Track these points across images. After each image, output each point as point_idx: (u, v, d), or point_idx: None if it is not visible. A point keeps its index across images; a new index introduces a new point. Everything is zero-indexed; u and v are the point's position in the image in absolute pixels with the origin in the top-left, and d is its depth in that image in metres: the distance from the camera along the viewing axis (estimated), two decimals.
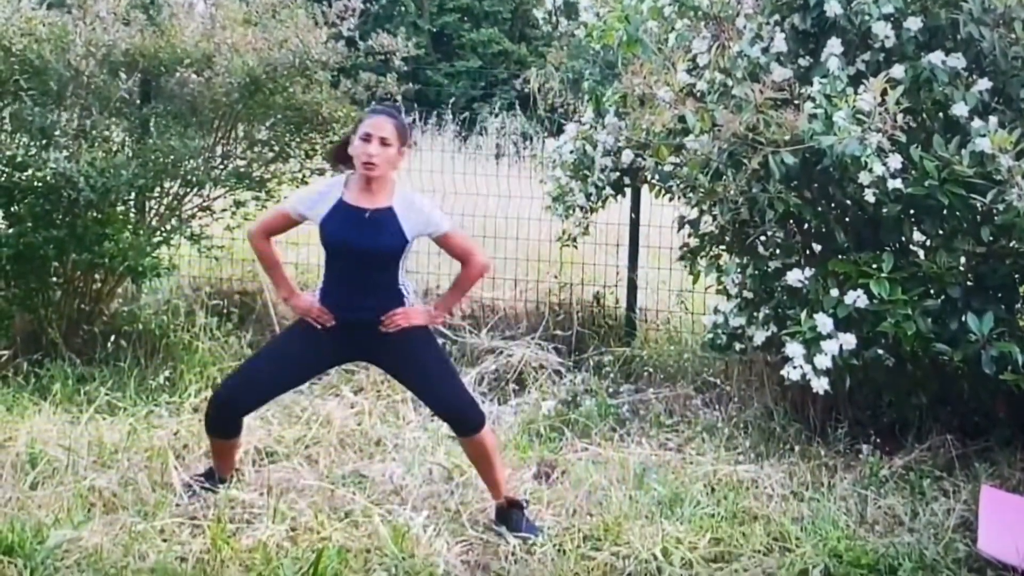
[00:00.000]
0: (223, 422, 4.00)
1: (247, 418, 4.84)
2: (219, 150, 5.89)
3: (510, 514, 3.94)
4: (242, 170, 5.86)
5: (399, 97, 6.13)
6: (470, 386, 5.47)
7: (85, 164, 5.09)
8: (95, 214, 5.40)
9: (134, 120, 5.71)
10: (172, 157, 5.42)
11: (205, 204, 5.95)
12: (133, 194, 5.62)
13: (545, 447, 4.80)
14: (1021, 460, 4.64)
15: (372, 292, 3.87)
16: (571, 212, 5.67)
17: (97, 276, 5.71)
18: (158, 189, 5.76)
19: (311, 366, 4.12)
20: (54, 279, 5.60)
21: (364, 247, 3.81)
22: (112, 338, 5.50)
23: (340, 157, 3.97)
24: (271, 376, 3.97)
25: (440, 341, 5.99)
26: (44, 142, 5.22)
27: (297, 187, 6.13)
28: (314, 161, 6.05)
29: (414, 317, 3.92)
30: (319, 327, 3.91)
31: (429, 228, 3.89)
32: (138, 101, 5.81)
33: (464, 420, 3.90)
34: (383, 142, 3.77)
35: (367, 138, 3.78)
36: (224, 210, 6.04)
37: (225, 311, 5.98)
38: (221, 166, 5.84)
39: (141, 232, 5.58)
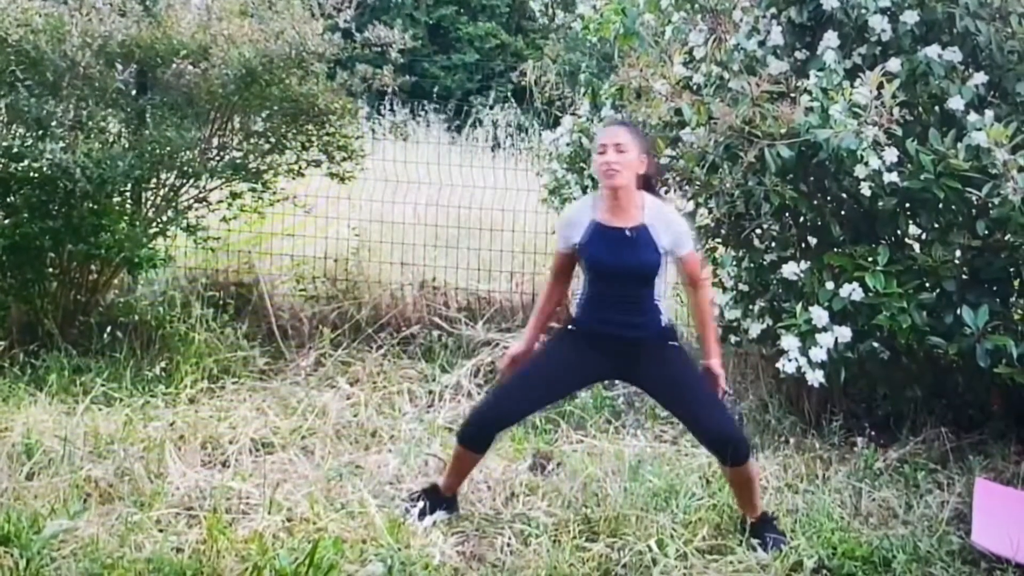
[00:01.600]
0: (480, 438, 3.91)
1: (244, 411, 4.89)
2: (215, 141, 5.88)
3: (762, 528, 3.88)
4: (238, 161, 5.86)
5: (396, 89, 6.13)
6: (466, 378, 5.48)
7: (81, 155, 5.08)
8: (91, 205, 5.40)
9: (130, 111, 5.70)
10: (168, 148, 5.42)
11: (201, 195, 5.94)
12: (129, 185, 5.62)
13: (541, 439, 4.81)
14: (1015, 453, 4.66)
15: (631, 310, 3.81)
16: (567, 204, 5.67)
17: (93, 267, 5.71)
18: (154, 180, 5.75)
19: (568, 383, 4.07)
20: (50, 270, 5.60)
21: (625, 266, 3.76)
22: (108, 329, 5.50)
23: (645, 184, 3.86)
24: (530, 394, 3.93)
25: (436, 333, 6.04)
26: (40, 133, 5.22)
27: (293, 178, 6.13)
28: (310, 152, 6.05)
29: (720, 371, 3.89)
30: (576, 342, 3.87)
31: (679, 245, 3.83)
32: (134, 92, 5.80)
33: (734, 451, 3.78)
34: (619, 149, 3.71)
35: (603, 149, 3.74)
36: (220, 201, 6.04)
37: (221, 302, 5.98)
38: (217, 157, 5.84)
39: (137, 223, 5.58)
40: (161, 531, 3.71)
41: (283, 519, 3.82)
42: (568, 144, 5.64)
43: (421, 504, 3.93)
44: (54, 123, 5.29)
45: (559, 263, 4.01)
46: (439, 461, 4.43)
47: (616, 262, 3.76)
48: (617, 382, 5.49)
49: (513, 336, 5.91)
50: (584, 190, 5.53)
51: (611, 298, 3.81)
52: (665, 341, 3.83)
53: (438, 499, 3.97)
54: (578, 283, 4.08)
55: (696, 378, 3.89)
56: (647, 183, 3.85)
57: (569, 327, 3.94)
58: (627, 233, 3.75)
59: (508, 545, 3.75)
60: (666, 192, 5.42)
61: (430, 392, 5.40)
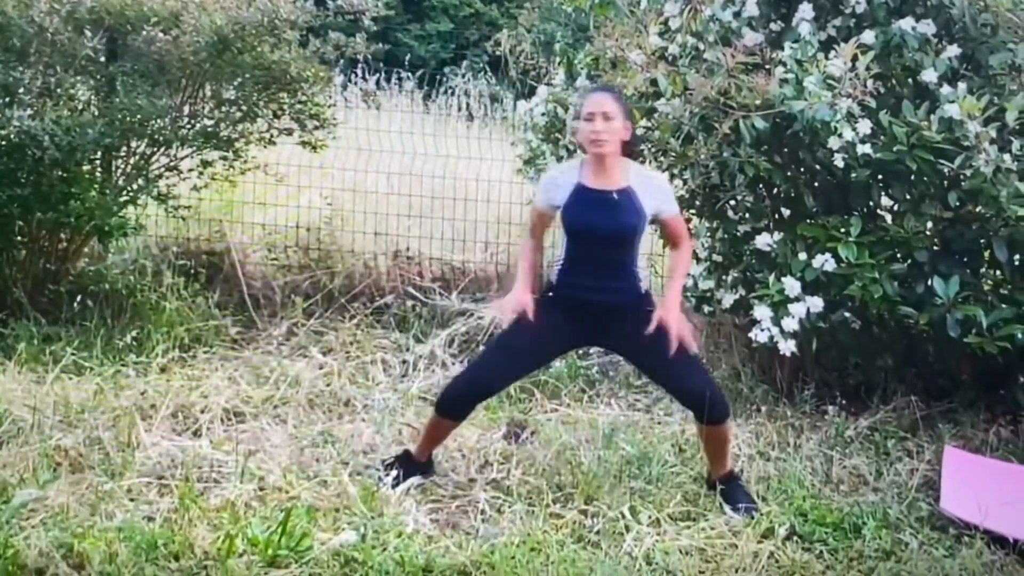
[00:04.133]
0: (459, 407, 3.92)
1: (216, 380, 4.86)
2: (186, 109, 5.81)
3: (730, 486, 3.93)
4: (209, 129, 5.79)
5: (368, 57, 6.08)
6: (441, 348, 5.48)
7: (50, 122, 5.01)
8: (60, 173, 5.33)
9: (100, 78, 5.62)
10: (139, 116, 5.35)
11: (172, 164, 5.88)
12: (99, 153, 5.55)
13: (515, 408, 4.82)
14: (984, 421, 4.72)
15: (610, 275, 3.82)
16: (541, 174, 5.65)
17: (63, 235, 5.64)
18: (125, 148, 5.68)
19: (546, 350, 4.05)
20: (19, 238, 5.53)
21: (609, 229, 3.76)
22: (78, 298, 5.45)
23: (625, 150, 3.84)
24: (509, 363, 3.93)
25: (410, 303, 6.02)
26: (7, 100, 5.13)
27: (265, 147, 6.07)
28: (282, 121, 5.99)
29: (678, 324, 3.79)
30: (551, 310, 3.85)
31: (664, 206, 3.84)
32: (104, 59, 5.71)
33: (712, 410, 3.80)
34: (606, 116, 3.72)
35: (591, 117, 3.73)
36: (191, 170, 5.97)
37: (192, 271, 5.93)
38: (188, 125, 5.77)
39: (107, 191, 5.51)
40: (132, 500, 3.69)
41: (255, 488, 3.82)
42: (543, 114, 5.61)
43: (395, 472, 3.93)
44: (21, 90, 5.21)
45: (537, 221, 4.02)
46: (413, 430, 4.43)
47: (599, 224, 3.77)
48: (592, 351, 5.52)
49: (488, 306, 5.91)
50: (559, 160, 5.52)
51: (592, 262, 3.82)
52: (643, 307, 3.84)
53: (412, 465, 3.98)
54: (553, 253, 4.08)
55: (668, 342, 3.86)
56: (627, 148, 3.86)
57: (548, 294, 3.93)
58: (613, 196, 3.76)
59: (482, 513, 3.77)
60: (641, 163, 5.43)
61: (404, 362, 5.40)
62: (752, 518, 3.77)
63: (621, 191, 3.78)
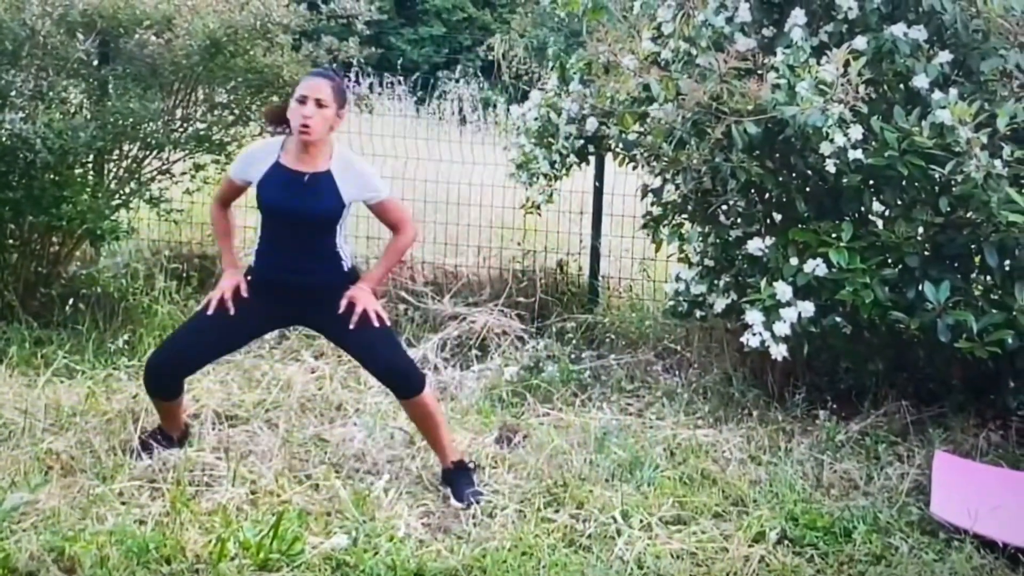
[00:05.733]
0: (159, 387, 3.97)
1: (207, 383, 4.85)
2: (179, 113, 5.81)
3: (456, 476, 3.94)
4: (202, 133, 5.79)
5: (361, 60, 6.08)
6: (433, 352, 5.48)
7: (42, 125, 5.00)
8: (52, 176, 5.32)
9: (92, 82, 5.62)
10: (131, 119, 5.34)
11: (164, 167, 5.88)
12: (91, 156, 5.54)
13: (507, 412, 4.82)
14: (974, 426, 4.73)
15: (308, 256, 3.83)
16: (535, 179, 5.66)
17: (55, 239, 5.63)
18: (117, 152, 5.68)
19: (244, 331, 4.04)
20: (10, 241, 5.51)
21: (300, 211, 3.76)
22: (70, 301, 5.44)
23: (278, 119, 3.91)
24: (204, 343, 3.93)
25: (402, 307, 6.02)
26: None
27: None
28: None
29: (365, 301, 3.84)
30: (248, 290, 3.87)
31: (367, 193, 3.86)
32: (96, 62, 5.72)
33: (406, 382, 3.87)
34: (319, 103, 3.70)
35: (303, 100, 3.71)
36: (184, 173, 5.97)
37: (184, 274, 5.93)
38: (181, 129, 5.77)
39: (99, 195, 5.50)
40: (124, 504, 3.69)
41: (247, 491, 3.81)
42: (536, 119, 5.61)
43: (144, 441, 4.05)
44: (13, 93, 5.20)
45: (227, 189, 4.02)
46: (404, 434, 4.43)
47: (290, 205, 3.76)
48: (583, 355, 5.53)
49: (480, 310, 5.92)
50: (552, 164, 5.53)
51: (286, 244, 3.82)
52: (345, 287, 3.86)
53: (164, 437, 4.09)
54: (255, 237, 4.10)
55: (369, 320, 3.88)
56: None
57: (247, 277, 3.94)
58: (304, 179, 3.76)
59: (473, 517, 3.77)
60: (634, 168, 5.45)
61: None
62: (470, 504, 3.80)
63: (317, 175, 3.76)
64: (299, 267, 3.83)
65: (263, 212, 3.85)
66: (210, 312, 3.87)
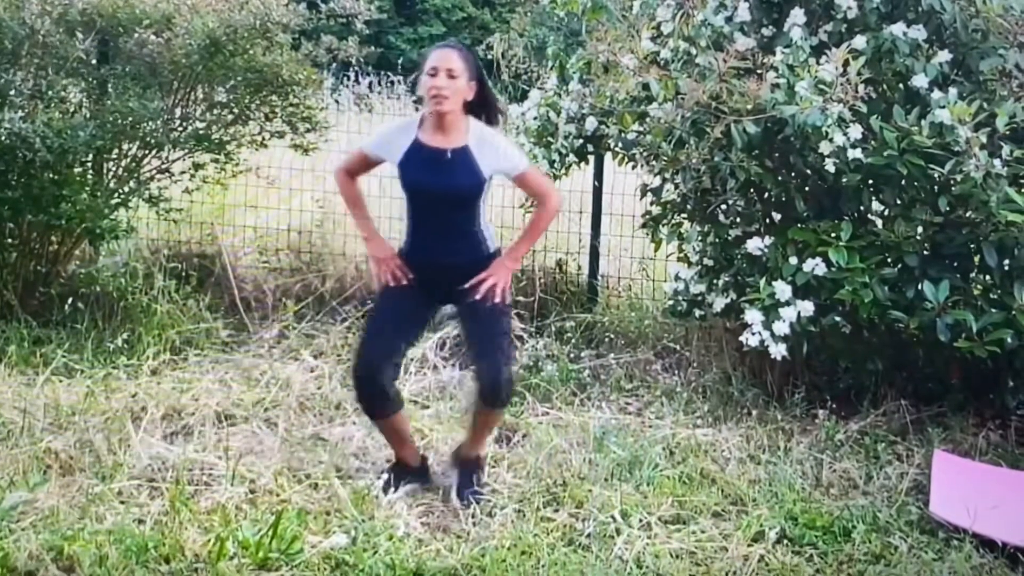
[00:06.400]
0: (373, 400, 3.86)
1: (209, 382, 4.85)
2: (178, 112, 5.81)
3: (468, 470, 3.93)
4: (201, 132, 5.79)
5: (360, 59, 6.08)
6: (432, 351, 5.47)
7: (41, 124, 5.01)
8: (52, 175, 5.32)
9: (92, 81, 5.62)
10: (130, 118, 5.35)
11: (164, 166, 5.88)
12: (90, 155, 5.54)
13: (506, 411, 4.81)
14: (973, 425, 4.73)
15: (453, 235, 3.80)
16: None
17: (54, 238, 5.64)
18: (116, 151, 5.68)
19: (418, 314, 3.98)
20: (10, 241, 5.52)
21: (445, 188, 3.73)
22: (69, 300, 5.44)
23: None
24: (390, 334, 3.86)
25: None
26: None
27: (256, 150, 6.08)
28: (273, 124, 5.98)
29: (500, 274, 3.80)
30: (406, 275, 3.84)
31: (506, 165, 3.80)
32: (95, 61, 5.72)
33: (498, 396, 3.80)
34: (450, 74, 3.66)
35: (434, 72, 3.67)
36: (183, 172, 5.97)
37: (183, 273, 5.92)
38: (180, 128, 5.77)
39: (99, 194, 5.51)
40: (123, 503, 3.69)
41: (246, 491, 3.81)
42: (535, 118, 5.62)
43: (386, 477, 3.92)
44: (13, 92, 5.21)
45: (358, 162, 4.00)
46: None
47: (433, 183, 3.74)
48: (582, 354, 5.52)
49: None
50: (551, 164, 5.53)
51: (431, 223, 3.81)
52: (485, 267, 3.83)
53: (403, 471, 3.96)
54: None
55: (500, 324, 3.86)
56: (481, 109, 3.82)
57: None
58: (447, 155, 3.73)
59: (473, 516, 3.76)
60: (633, 167, 5.45)
61: (395, 365, 5.38)
62: (470, 503, 3.79)
63: (456, 150, 3.73)
64: (446, 247, 3.80)
65: (407, 191, 3.82)
66: (392, 284, 3.85)
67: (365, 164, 4.00)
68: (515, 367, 4.04)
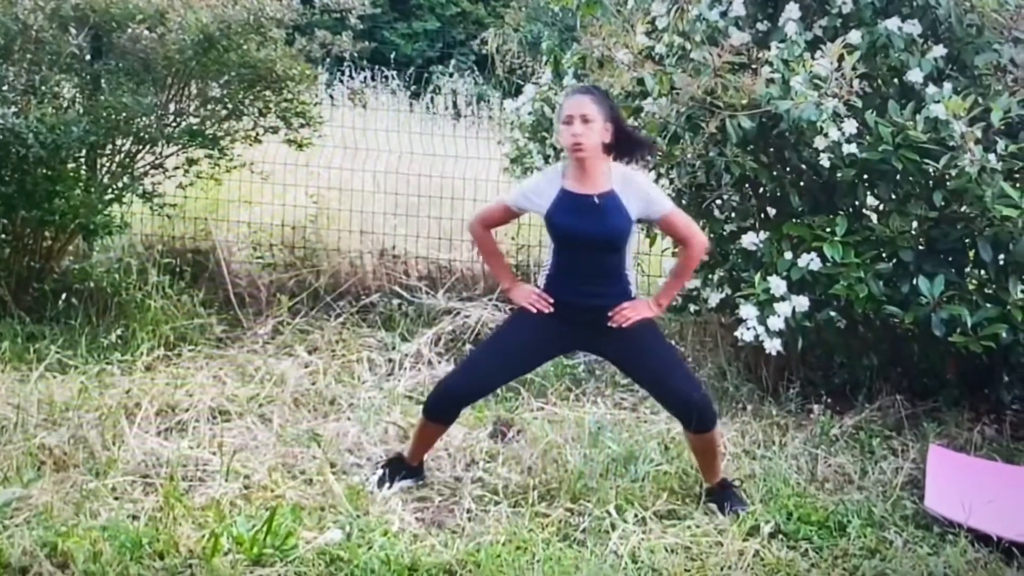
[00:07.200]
0: (445, 410, 3.87)
1: (201, 378, 4.85)
2: (172, 107, 5.80)
3: (723, 495, 3.89)
4: (195, 128, 5.78)
5: (355, 54, 6.08)
6: (427, 346, 5.47)
7: (34, 120, 5.00)
8: (45, 171, 5.31)
9: (85, 76, 5.61)
10: (124, 114, 5.34)
11: (157, 162, 5.86)
12: (84, 151, 5.54)
13: (502, 406, 4.82)
14: (968, 420, 4.74)
15: (600, 279, 3.78)
16: (529, 174, 5.66)
17: (47, 233, 5.62)
18: (110, 146, 5.68)
19: (536, 355, 4.00)
20: (3, 236, 5.51)
21: (595, 234, 3.71)
22: (63, 296, 5.44)
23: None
24: (497, 367, 3.88)
25: (396, 302, 6.01)
26: None
27: (250, 145, 6.06)
28: (267, 119, 5.97)
29: (642, 310, 3.78)
30: (542, 314, 3.81)
31: (651, 208, 3.78)
32: (89, 57, 5.70)
33: (700, 417, 3.78)
34: (584, 119, 3.66)
35: (569, 120, 3.67)
36: (177, 168, 5.96)
37: (178, 269, 5.92)
38: (174, 123, 5.76)
39: (92, 189, 5.50)
40: (117, 499, 3.68)
41: (241, 486, 3.81)
42: (530, 113, 5.62)
43: (381, 472, 3.92)
44: (6, 87, 5.20)
45: (500, 215, 4.02)
46: (399, 429, 4.43)
47: (584, 229, 3.72)
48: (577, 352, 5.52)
49: (474, 304, 5.91)
50: (546, 159, 5.52)
51: (580, 267, 3.78)
52: None
53: (400, 467, 3.96)
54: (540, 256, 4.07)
55: (662, 348, 3.88)
56: (621, 148, 3.81)
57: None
58: (595, 200, 3.72)
59: (468, 511, 3.76)
60: (628, 162, 5.43)
61: (390, 360, 5.38)
62: (737, 515, 3.78)
63: (604, 195, 3.73)
64: (591, 291, 3.77)
65: (557, 239, 3.80)
66: (535, 310, 3.81)
67: (506, 216, 4.03)
68: (703, 389, 3.98)
